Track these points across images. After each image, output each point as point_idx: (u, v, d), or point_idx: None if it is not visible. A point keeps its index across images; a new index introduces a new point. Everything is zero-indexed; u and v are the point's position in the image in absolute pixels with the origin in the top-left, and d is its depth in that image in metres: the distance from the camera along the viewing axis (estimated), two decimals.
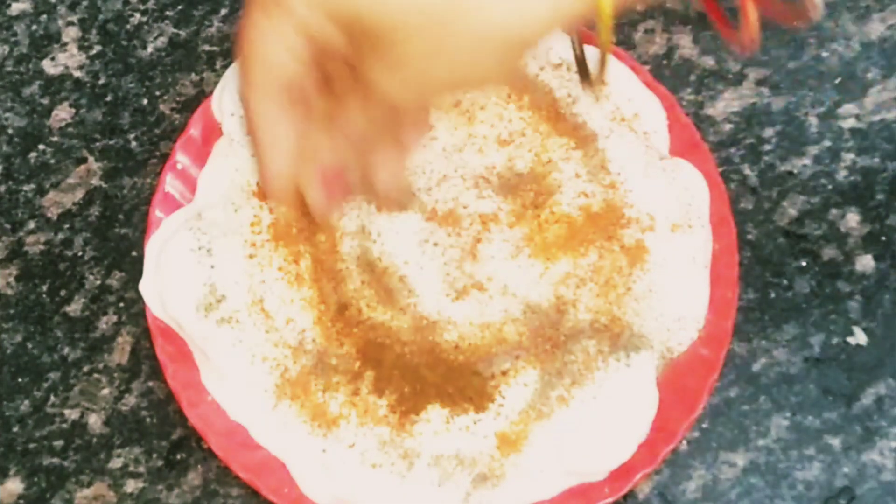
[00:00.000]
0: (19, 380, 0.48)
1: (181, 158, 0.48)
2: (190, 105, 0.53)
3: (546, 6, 0.33)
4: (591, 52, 0.42)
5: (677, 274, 0.46)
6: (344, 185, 0.41)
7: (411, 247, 0.45)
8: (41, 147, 0.52)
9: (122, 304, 0.49)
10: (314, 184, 0.39)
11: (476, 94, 0.49)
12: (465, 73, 0.35)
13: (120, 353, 0.48)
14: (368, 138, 0.39)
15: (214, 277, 0.44)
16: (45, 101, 0.53)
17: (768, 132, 0.53)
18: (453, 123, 0.48)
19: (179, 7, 0.56)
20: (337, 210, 0.42)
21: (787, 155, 0.52)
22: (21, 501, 0.46)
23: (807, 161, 0.52)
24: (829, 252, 0.50)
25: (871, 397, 0.47)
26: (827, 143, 0.52)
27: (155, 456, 0.46)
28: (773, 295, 0.49)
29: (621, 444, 0.43)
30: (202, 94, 0.53)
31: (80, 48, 0.55)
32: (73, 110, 0.53)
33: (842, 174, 0.52)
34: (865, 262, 0.50)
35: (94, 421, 0.47)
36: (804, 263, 0.50)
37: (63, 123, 0.53)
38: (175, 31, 0.55)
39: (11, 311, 0.49)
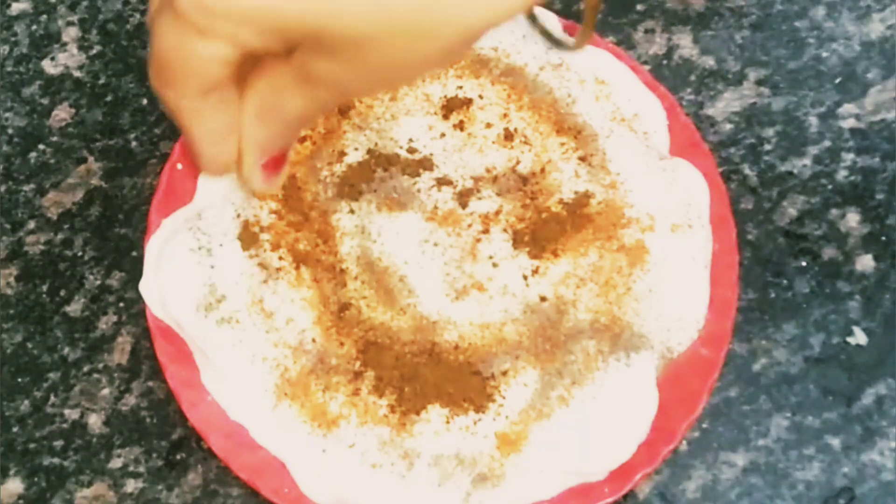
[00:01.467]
0: (19, 380, 0.48)
1: (181, 158, 0.48)
2: None
3: None
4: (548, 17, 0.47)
5: (677, 274, 0.46)
6: (282, 162, 0.40)
7: (411, 247, 0.45)
8: (41, 147, 0.52)
9: (122, 304, 0.49)
10: (257, 171, 0.37)
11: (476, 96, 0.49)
12: (421, 62, 0.32)
13: (120, 353, 0.48)
14: (306, 118, 0.36)
15: (214, 277, 0.44)
16: (45, 101, 0.53)
17: (768, 132, 0.53)
18: (453, 123, 0.48)
19: None
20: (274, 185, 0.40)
21: (787, 155, 0.52)
22: (21, 501, 0.46)
23: (807, 161, 0.52)
24: (829, 252, 0.50)
25: (871, 397, 0.47)
26: (827, 143, 0.52)
27: (155, 456, 0.46)
28: (773, 295, 0.49)
29: (621, 444, 0.43)
30: None
31: (80, 48, 0.55)
32: (73, 110, 0.53)
33: (842, 174, 0.52)
34: (865, 262, 0.50)
35: (94, 421, 0.47)
36: (804, 263, 0.50)
37: (63, 123, 0.53)
38: None
39: (11, 311, 0.49)
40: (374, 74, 0.32)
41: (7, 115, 0.53)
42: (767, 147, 0.52)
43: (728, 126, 0.53)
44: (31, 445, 0.46)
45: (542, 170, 0.47)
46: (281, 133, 0.35)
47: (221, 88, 0.33)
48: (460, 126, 0.48)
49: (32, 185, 0.52)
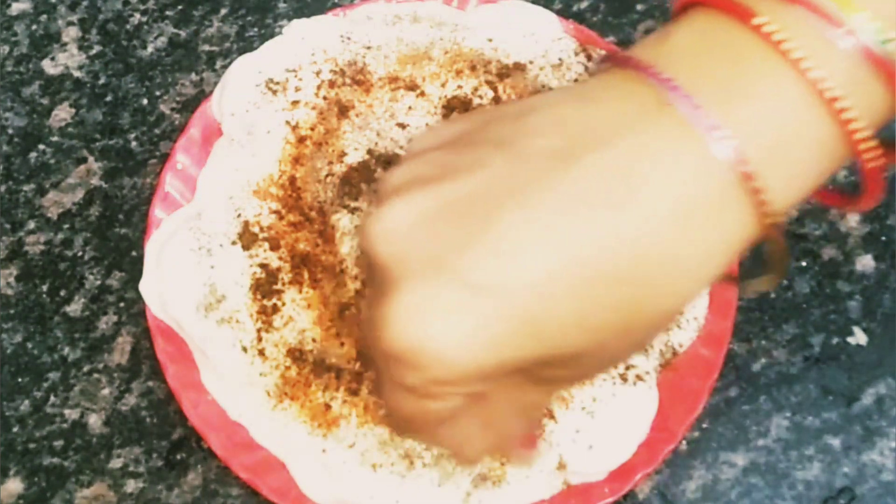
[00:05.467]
0: (19, 380, 0.48)
1: (181, 158, 0.48)
2: (190, 105, 0.53)
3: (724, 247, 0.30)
4: None
5: None
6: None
7: None
8: (41, 147, 0.52)
9: (122, 304, 0.49)
10: (517, 449, 0.39)
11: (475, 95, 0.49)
12: (646, 336, 0.34)
13: (120, 353, 0.48)
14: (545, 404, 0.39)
15: (214, 277, 0.44)
16: (45, 101, 0.53)
17: None
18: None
19: (179, 7, 0.56)
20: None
21: None
22: (21, 501, 0.46)
23: None
24: (829, 252, 0.50)
25: (871, 397, 0.47)
26: None
27: (155, 456, 0.46)
28: (773, 295, 0.49)
29: (621, 444, 0.43)
30: (202, 94, 0.53)
31: (80, 48, 0.55)
32: (73, 110, 0.53)
33: (842, 174, 0.52)
34: (865, 262, 0.50)
35: (94, 421, 0.47)
36: (804, 263, 0.50)
37: (63, 123, 0.53)
38: (175, 31, 0.55)
39: (11, 311, 0.49)
40: (596, 366, 0.33)
41: (7, 115, 0.53)
42: None
43: None
44: (31, 445, 0.46)
45: None
46: (525, 423, 0.36)
47: (460, 412, 0.33)
48: None
49: (32, 185, 0.52)
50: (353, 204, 0.46)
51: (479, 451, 0.35)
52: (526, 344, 0.29)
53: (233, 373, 0.44)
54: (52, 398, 0.47)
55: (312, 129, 0.48)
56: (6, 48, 0.55)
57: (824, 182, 0.31)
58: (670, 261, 0.29)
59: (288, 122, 0.48)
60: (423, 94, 0.49)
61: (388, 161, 0.47)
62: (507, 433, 0.35)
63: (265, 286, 0.44)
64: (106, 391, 0.47)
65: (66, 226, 0.51)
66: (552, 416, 0.43)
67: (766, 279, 0.35)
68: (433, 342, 0.29)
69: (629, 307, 0.29)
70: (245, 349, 0.44)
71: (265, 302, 0.44)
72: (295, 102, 0.48)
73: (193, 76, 0.54)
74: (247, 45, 0.54)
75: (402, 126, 0.48)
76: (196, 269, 0.45)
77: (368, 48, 0.49)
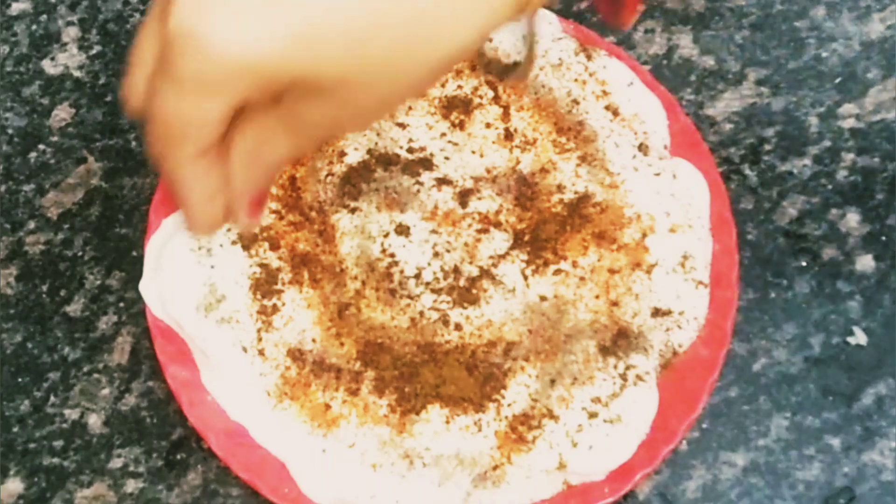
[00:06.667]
0: (19, 380, 0.48)
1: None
2: None
3: (481, 17, 0.34)
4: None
5: (677, 274, 0.46)
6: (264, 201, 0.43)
7: (411, 247, 0.45)
8: (41, 147, 0.52)
9: (122, 304, 0.49)
10: (244, 214, 0.39)
11: (475, 95, 0.49)
12: (403, 93, 0.35)
13: (120, 353, 0.48)
14: (290, 160, 0.40)
15: (214, 277, 0.44)
16: (45, 101, 0.53)
17: (768, 132, 0.53)
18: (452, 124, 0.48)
19: None
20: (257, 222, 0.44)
21: (787, 155, 0.52)
22: (21, 501, 0.46)
23: (807, 161, 0.52)
24: (829, 252, 0.50)
25: (871, 397, 0.47)
26: (827, 143, 0.52)
27: (155, 456, 0.46)
28: (773, 295, 0.49)
29: (621, 444, 0.43)
30: None
31: (80, 48, 0.55)
32: (73, 110, 0.53)
33: (842, 174, 0.52)
34: (865, 262, 0.50)
35: (94, 421, 0.47)
36: (804, 263, 0.50)
37: (63, 123, 0.53)
38: None
39: (11, 311, 0.49)
40: (359, 111, 0.35)
41: (7, 115, 0.53)
42: (767, 147, 0.52)
43: (728, 126, 0.53)
44: (31, 445, 0.46)
45: (542, 170, 0.47)
46: (266, 176, 0.38)
47: (212, 150, 0.35)
48: (460, 126, 0.48)
49: (32, 185, 0.52)
50: (353, 204, 0.46)
51: (216, 212, 0.37)
52: (295, 53, 0.32)
53: (233, 373, 0.44)
54: (52, 398, 0.47)
55: None
56: (6, 48, 0.55)
57: None
58: (435, 12, 0.32)
59: None
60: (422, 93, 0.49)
61: (388, 161, 0.47)
62: (245, 186, 0.37)
63: (265, 286, 0.44)
64: (106, 391, 0.47)
65: (66, 226, 0.51)
66: (552, 416, 0.43)
67: (522, 68, 0.40)
68: (212, 28, 0.31)
69: (398, 46, 0.32)
70: (245, 349, 0.44)
71: (265, 302, 0.44)
72: None
73: None
74: None
75: (402, 126, 0.48)
76: (196, 269, 0.45)
77: None
